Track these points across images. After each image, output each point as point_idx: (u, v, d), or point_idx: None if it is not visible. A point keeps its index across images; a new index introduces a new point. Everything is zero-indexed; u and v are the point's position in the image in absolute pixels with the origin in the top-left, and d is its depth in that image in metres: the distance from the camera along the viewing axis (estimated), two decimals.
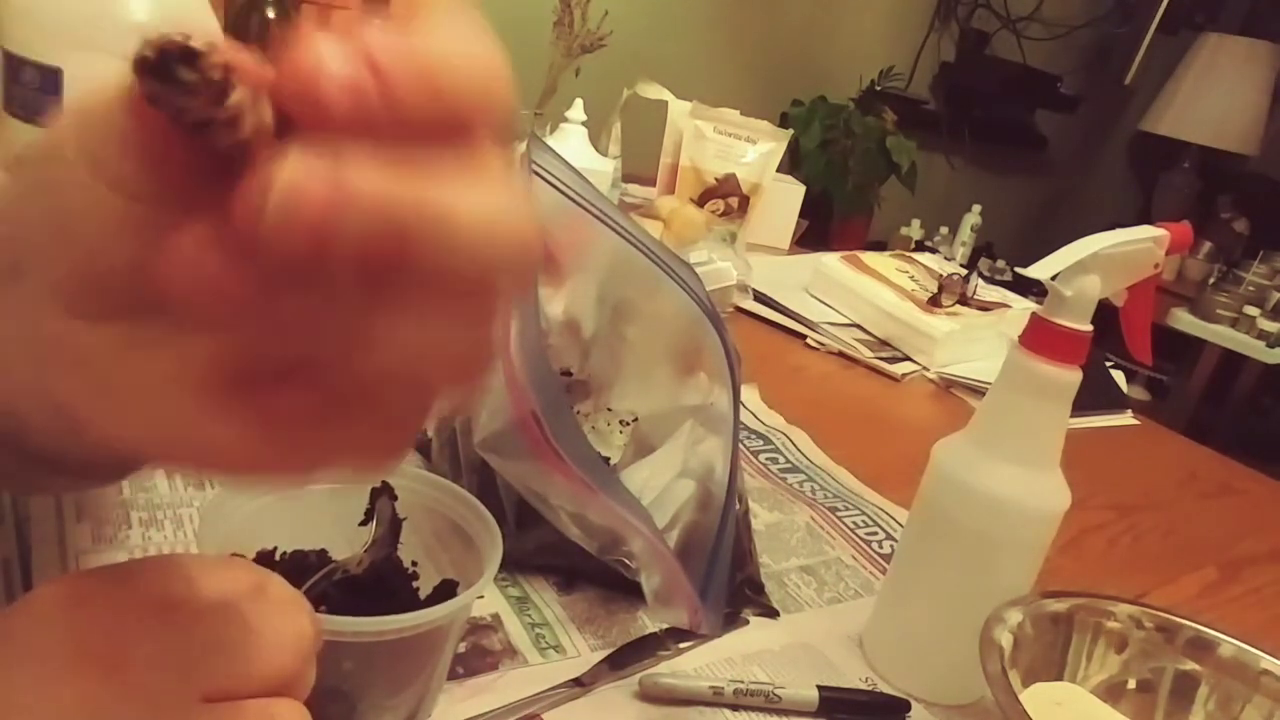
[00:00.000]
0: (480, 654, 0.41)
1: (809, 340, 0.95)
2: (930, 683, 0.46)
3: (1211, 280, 2.74)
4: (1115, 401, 0.98)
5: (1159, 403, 2.83)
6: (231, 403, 0.16)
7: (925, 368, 0.93)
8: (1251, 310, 2.56)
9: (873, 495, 0.64)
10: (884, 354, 0.94)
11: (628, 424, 0.49)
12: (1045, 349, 0.41)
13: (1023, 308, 1.04)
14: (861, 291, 0.99)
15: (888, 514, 0.62)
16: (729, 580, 0.47)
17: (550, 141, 0.99)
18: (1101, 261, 0.41)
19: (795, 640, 0.48)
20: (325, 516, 0.38)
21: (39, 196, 0.17)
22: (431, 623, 0.33)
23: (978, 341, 0.97)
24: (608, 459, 0.47)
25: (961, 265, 1.36)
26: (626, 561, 0.45)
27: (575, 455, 0.38)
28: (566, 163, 0.40)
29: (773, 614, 0.49)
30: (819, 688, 0.43)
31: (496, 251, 0.15)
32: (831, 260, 1.04)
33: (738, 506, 0.47)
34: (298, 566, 0.37)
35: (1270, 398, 2.92)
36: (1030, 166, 3.24)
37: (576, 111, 1.01)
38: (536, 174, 0.40)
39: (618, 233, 0.42)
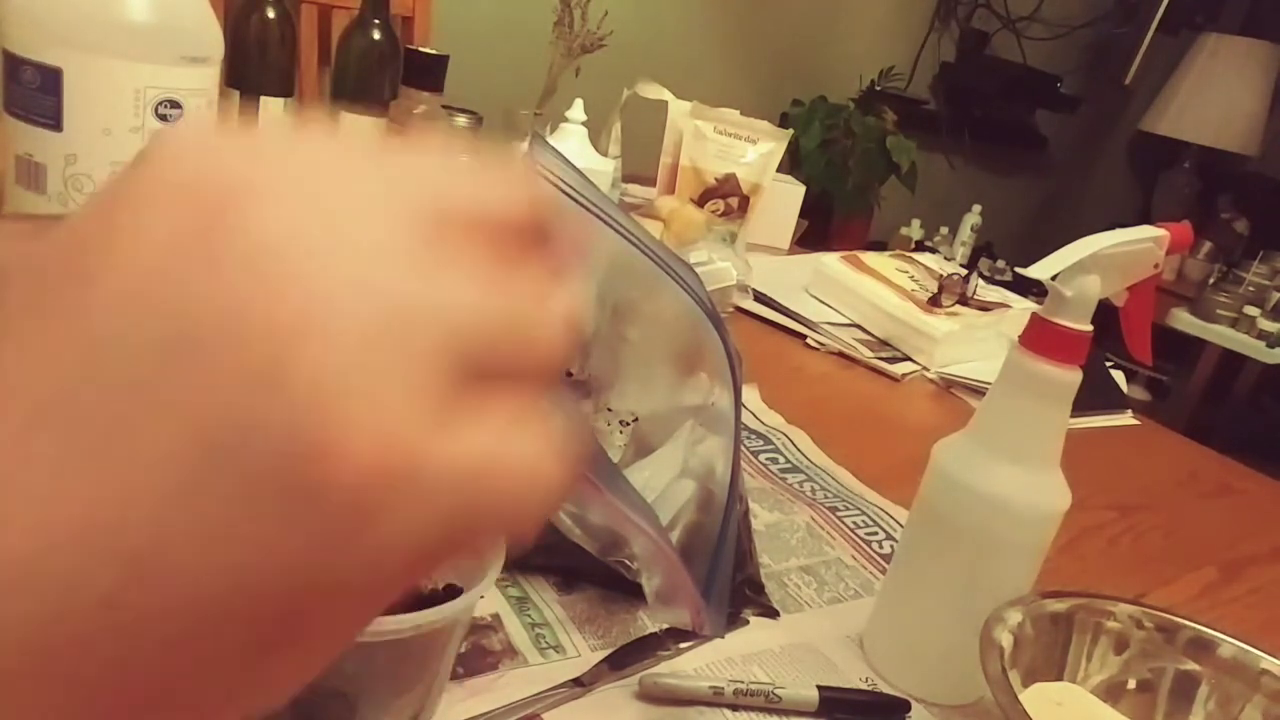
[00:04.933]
0: (480, 654, 0.41)
1: (809, 340, 0.95)
2: (930, 683, 0.46)
3: (1211, 280, 2.74)
4: (1115, 401, 0.98)
5: (1159, 403, 2.83)
6: None
7: (925, 368, 0.93)
8: (1251, 310, 2.56)
9: (873, 495, 0.64)
10: (884, 354, 0.94)
11: (628, 424, 0.49)
12: (1045, 349, 0.41)
13: (1023, 308, 1.04)
14: (861, 291, 0.99)
15: (888, 514, 0.62)
16: (730, 581, 0.47)
17: (550, 141, 0.99)
18: (1101, 261, 0.41)
19: (795, 640, 0.48)
20: None
21: None
22: (433, 624, 0.33)
23: (978, 341, 0.97)
24: None
25: (961, 265, 1.36)
26: (627, 563, 0.45)
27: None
28: (569, 162, 0.40)
29: (773, 614, 0.49)
30: (819, 688, 0.43)
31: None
32: (831, 260, 1.04)
33: (738, 507, 0.46)
34: None
35: (1270, 398, 2.92)
36: (1030, 166, 3.24)
37: (576, 111, 1.01)
38: (538, 173, 0.40)
39: (619, 232, 0.42)
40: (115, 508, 0.13)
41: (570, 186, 0.40)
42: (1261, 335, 2.52)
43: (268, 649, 0.14)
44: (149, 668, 0.13)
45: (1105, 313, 0.44)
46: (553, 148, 0.40)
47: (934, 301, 0.98)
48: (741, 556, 0.49)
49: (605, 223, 0.41)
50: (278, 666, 0.15)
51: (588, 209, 0.40)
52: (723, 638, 0.46)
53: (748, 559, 0.50)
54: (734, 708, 0.42)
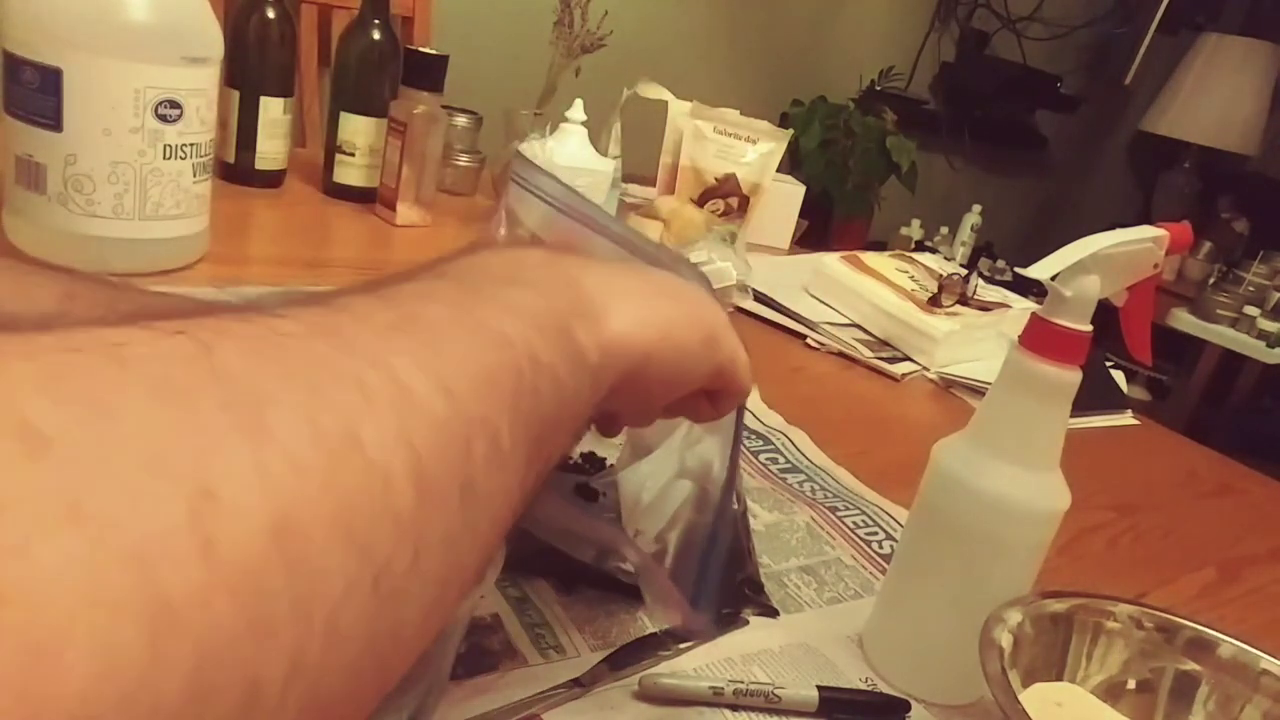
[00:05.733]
0: (480, 654, 0.41)
1: (809, 340, 0.95)
2: (930, 683, 0.46)
3: (1211, 280, 2.74)
4: (1115, 401, 0.98)
5: (1159, 403, 2.83)
6: None
7: (925, 368, 0.93)
8: (1251, 310, 2.56)
9: (873, 495, 0.64)
10: (884, 354, 0.94)
11: None
12: (1045, 349, 0.41)
13: (1023, 308, 1.04)
14: (861, 291, 0.99)
15: (888, 514, 0.62)
16: (728, 581, 0.46)
17: (550, 141, 0.99)
18: (1101, 261, 0.41)
19: (795, 640, 0.48)
20: None
21: None
22: None
23: (978, 341, 0.97)
24: (596, 491, 0.46)
25: (961, 265, 1.36)
26: (623, 567, 0.45)
27: (555, 493, 0.38)
28: (555, 177, 0.40)
29: (772, 613, 0.49)
30: (819, 688, 0.43)
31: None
32: (831, 260, 1.04)
33: (735, 507, 0.46)
34: None
35: (1270, 398, 2.92)
36: (1030, 166, 3.24)
37: (576, 111, 1.01)
38: (519, 185, 0.40)
39: (612, 239, 0.41)
40: (679, 285, 0.34)
41: (558, 201, 0.40)
42: (1261, 335, 2.52)
43: (716, 346, 0.33)
44: (710, 340, 0.33)
45: (1105, 313, 0.44)
46: (537, 166, 0.41)
47: (934, 301, 0.98)
48: (740, 556, 0.49)
49: (598, 231, 0.41)
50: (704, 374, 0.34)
51: (579, 220, 0.41)
52: (711, 639, 0.45)
53: (746, 558, 0.50)
54: (734, 708, 0.42)
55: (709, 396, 0.35)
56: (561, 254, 0.30)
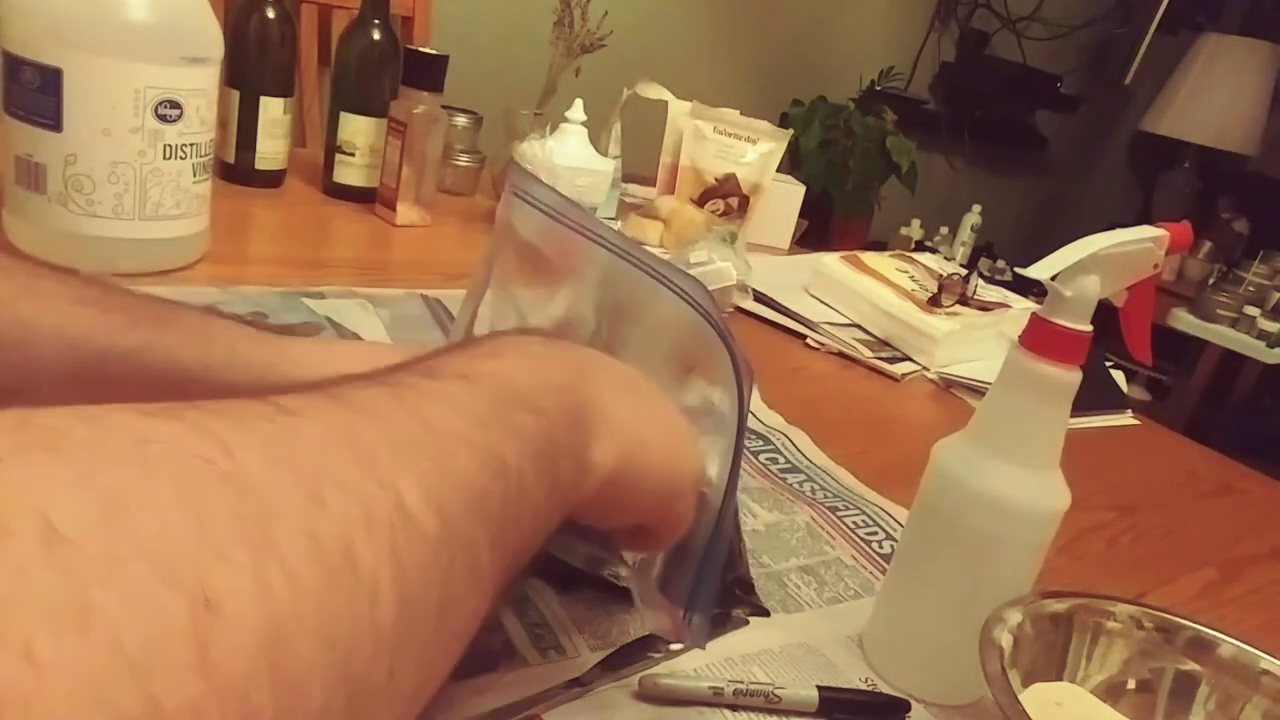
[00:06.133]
0: (480, 654, 0.41)
1: (809, 340, 0.95)
2: (930, 683, 0.46)
3: (1211, 280, 2.74)
4: (1115, 401, 0.98)
5: (1159, 403, 2.83)
6: None
7: (925, 368, 0.93)
8: (1251, 310, 2.56)
9: (873, 495, 0.64)
10: (884, 354, 0.94)
11: None
12: (1045, 349, 0.41)
13: (1023, 308, 1.04)
14: (861, 291, 0.99)
15: (888, 514, 0.62)
16: (720, 585, 0.46)
17: (550, 141, 0.99)
18: (1101, 261, 0.41)
19: (795, 640, 0.48)
20: None
21: None
22: None
23: (978, 341, 0.97)
24: None
25: (961, 265, 1.36)
26: (616, 573, 0.45)
27: None
28: (551, 188, 0.40)
29: (763, 613, 0.49)
30: (819, 688, 0.43)
31: None
32: (831, 260, 1.04)
33: (730, 519, 0.46)
34: None
35: (1270, 398, 2.92)
36: (1030, 166, 3.24)
37: (576, 111, 1.01)
38: (516, 195, 0.40)
39: (608, 248, 0.41)
40: (674, 433, 0.36)
41: (555, 210, 0.40)
42: (1261, 335, 2.52)
43: (673, 500, 0.36)
44: (668, 493, 0.35)
45: (1105, 313, 0.44)
46: (533, 175, 0.41)
47: (934, 301, 0.98)
48: (732, 556, 0.49)
49: (593, 240, 0.41)
50: (667, 514, 0.36)
51: (574, 230, 0.41)
52: (703, 648, 0.45)
53: (738, 559, 0.50)
54: (734, 708, 0.42)
55: (643, 532, 0.36)
56: (582, 379, 0.31)
